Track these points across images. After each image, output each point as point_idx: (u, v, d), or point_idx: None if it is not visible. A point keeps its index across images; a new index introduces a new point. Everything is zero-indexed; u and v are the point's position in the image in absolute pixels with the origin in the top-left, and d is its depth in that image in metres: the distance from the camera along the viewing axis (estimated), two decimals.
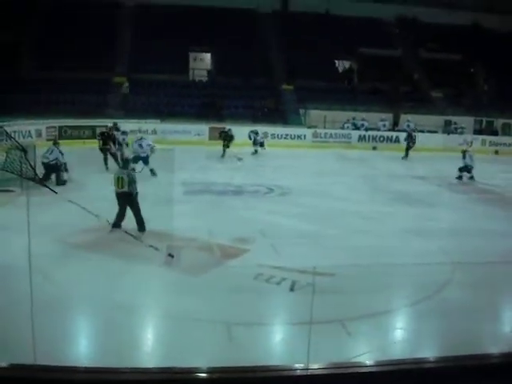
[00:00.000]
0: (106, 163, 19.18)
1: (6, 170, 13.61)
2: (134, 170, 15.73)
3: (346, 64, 37.26)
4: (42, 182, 14.56)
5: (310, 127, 31.04)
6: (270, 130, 29.59)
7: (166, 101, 31.82)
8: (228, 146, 23.78)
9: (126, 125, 25.93)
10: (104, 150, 19.42)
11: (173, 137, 26.07)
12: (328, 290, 8.62)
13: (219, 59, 35.57)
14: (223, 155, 23.63)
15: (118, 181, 11.77)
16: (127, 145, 20.75)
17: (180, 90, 32.78)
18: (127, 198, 11.73)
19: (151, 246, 10.24)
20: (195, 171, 19.58)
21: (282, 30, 36.80)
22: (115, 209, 12.49)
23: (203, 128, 29.00)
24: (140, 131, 26.03)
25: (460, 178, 20.16)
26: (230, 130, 24.39)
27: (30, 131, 23.98)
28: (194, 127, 28.88)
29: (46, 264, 8.78)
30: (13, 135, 17.76)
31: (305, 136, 30.16)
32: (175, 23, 34.49)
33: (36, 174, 14.26)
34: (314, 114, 31.50)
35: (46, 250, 9.76)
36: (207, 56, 37.40)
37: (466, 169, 20.10)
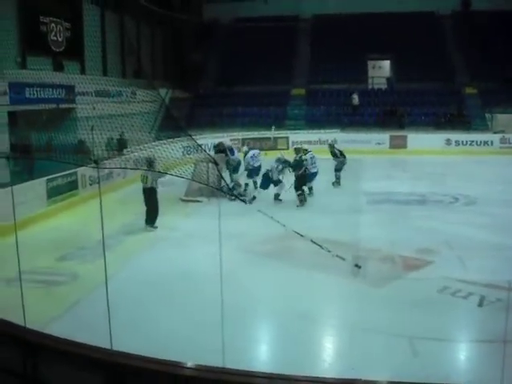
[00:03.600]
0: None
1: (195, 181, 14.49)
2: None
3: None
4: (231, 192, 15.26)
5: (496, 132, 29.35)
6: (454, 136, 28.51)
7: (346, 110, 31.93)
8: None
9: (307, 135, 26.52)
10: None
11: (353, 146, 26.02)
12: None
13: (398, 66, 34.96)
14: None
15: (143, 178, 13.41)
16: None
17: (359, 98, 32.68)
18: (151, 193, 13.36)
19: (338, 256, 10.34)
20: (377, 180, 19.39)
21: (464, 31, 35.25)
22: (300, 219, 12.86)
23: (384, 136, 28.66)
24: (320, 141, 26.40)
25: None
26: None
27: (214, 144, 25.12)
28: (375, 136, 28.64)
29: (233, 271, 9.18)
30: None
31: (492, 142, 28.57)
32: (352, 32, 34.53)
33: (227, 185, 14.98)
34: (502, 118, 29.70)
35: (234, 258, 10.25)
36: (386, 63, 36.92)
37: None
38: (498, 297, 8.66)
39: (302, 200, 15.94)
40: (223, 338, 5.98)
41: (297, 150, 17.29)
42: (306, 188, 16.79)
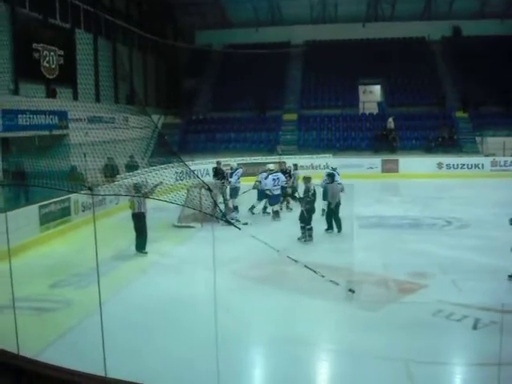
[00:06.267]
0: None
1: (188, 207, 14.48)
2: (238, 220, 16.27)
3: None
4: (225, 217, 15.25)
5: (487, 155, 29.59)
6: (445, 160, 28.72)
7: (338, 135, 32.12)
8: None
9: (299, 160, 26.56)
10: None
11: (345, 171, 26.11)
12: None
13: (389, 90, 35.32)
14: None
15: (131, 204, 13.60)
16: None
17: (351, 123, 32.93)
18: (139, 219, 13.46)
19: (331, 281, 10.34)
20: (370, 204, 19.44)
21: (454, 56, 35.74)
22: (292, 243, 12.87)
23: (376, 161, 28.83)
24: (312, 166, 26.54)
25: None
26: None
27: (207, 169, 25.14)
28: (367, 160, 28.81)
29: (227, 296, 9.15)
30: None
31: (483, 165, 28.76)
32: (343, 57, 35.00)
33: (221, 211, 15.01)
34: (492, 141, 29.95)
35: (228, 283, 10.26)
36: (377, 88, 37.28)
37: None
38: (492, 319, 8.66)
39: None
40: (218, 364, 5.96)
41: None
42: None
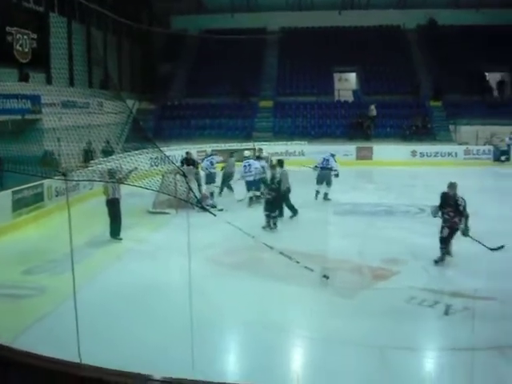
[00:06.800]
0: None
1: (163, 193, 14.43)
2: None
3: (498, 75, 35.41)
4: (200, 204, 15.22)
5: (461, 144, 29.91)
6: (419, 148, 29.00)
7: (313, 122, 32.18)
8: None
9: (274, 147, 26.61)
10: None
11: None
12: (487, 314, 8.27)
13: (364, 78, 35.45)
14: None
15: (105, 190, 13.59)
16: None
17: (326, 111, 33.01)
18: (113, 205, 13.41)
19: (306, 268, 10.40)
20: (344, 191, 19.50)
21: (429, 45, 35.96)
22: (268, 230, 12.93)
23: (350, 148, 28.98)
24: (288, 153, 26.66)
25: None
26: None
27: (182, 155, 25.00)
28: (342, 147, 28.90)
29: (202, 283, 9.16)
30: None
31: (456, 153, 29.09)
32: (319, 45, 35.10)
33: (196, 197, 14.95)
34: (465, 130, 30.30)
35: (203, 270, 10.28)
36: (352, 76, 37.38)
37: None
38: (464, 305, 8.82)
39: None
40: (193, 350, 5.99)
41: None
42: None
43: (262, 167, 17.65)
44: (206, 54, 34.99)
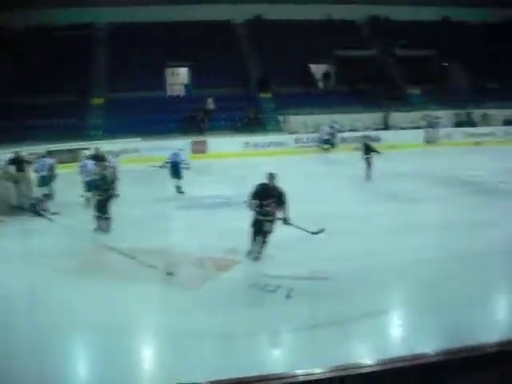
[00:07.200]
0: None
1: None
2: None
3: (323, 67, 37.28)
4: (33, 209, 14.56)
5: (291, 133, 31.16)
6: (252, 139, 29.78)
7: (145, 118, 31.74)
8: None
9: (106, 145, 25.95)
10: None
11: (156, 154, 26.03)
12: (324, 293, 8.74)
13: (196, 73, 35.67)
14: None
15: None
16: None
17: (158, 106, 32.77)
18: None
19: (150, 266, 10.34)
20: (183, 185, 19.56)
21: (256, 39, 37.02)
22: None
23: (185, 143, 28.99)
24: (125, 151, 26.30)
25: None
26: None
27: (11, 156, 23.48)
28: (176, 142, 28.83)
29: (41, 291, 8.79)
30: None
31: (287, 142, 30.30)
32: (149, 40, 34.70)
33: (31, 203, 14.31)
34: (294, 119, 31.65)
35: (41, 277, 9.78)
36: (184, 70, 37.43)
37: None
38: (303, 287, 9.24)
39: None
40: (40, 361, 5.73)
41: None
42: None
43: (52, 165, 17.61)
44: (31, 52, 33.17)
